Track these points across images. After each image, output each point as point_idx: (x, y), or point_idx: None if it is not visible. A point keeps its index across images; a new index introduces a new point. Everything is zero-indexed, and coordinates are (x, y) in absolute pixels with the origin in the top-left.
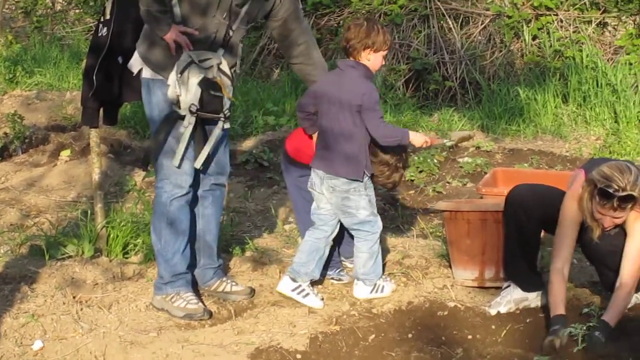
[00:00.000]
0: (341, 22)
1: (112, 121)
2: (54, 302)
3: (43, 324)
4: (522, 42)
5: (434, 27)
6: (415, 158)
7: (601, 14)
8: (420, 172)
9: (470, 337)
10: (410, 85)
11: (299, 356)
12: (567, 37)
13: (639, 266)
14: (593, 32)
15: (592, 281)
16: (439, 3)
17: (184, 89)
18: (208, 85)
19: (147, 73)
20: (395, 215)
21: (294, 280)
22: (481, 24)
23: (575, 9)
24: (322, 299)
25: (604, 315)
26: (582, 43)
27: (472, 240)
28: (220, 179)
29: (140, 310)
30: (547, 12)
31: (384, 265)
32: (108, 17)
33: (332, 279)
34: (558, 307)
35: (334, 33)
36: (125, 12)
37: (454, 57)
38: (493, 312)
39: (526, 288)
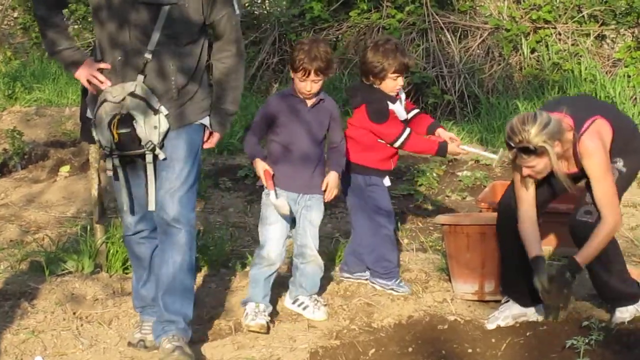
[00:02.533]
0: (339, 36)
1: None
2: (54, 318)
3: (43, 340)
4: (520, 55)
5: (432, 40)
6: (414, 172)
7: (599, 26)
8: (420, 185)
9: (470, 350)
10: (409, 99)
11: None
12: (565, 50)
13: (609, 200)
14: (591, 45)
15: (592, 294)
16: (437, 17)
17: (99, 132)
18: (118, 123)
19: (89, 114)
20: (395, 228)
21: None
22: (479, 38)
23: (574, 22)
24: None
25: (577, 255)
26: (581, 56)
27: (472, 254)
28: (166, 218)
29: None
30: (546, 25)
31: None
32: None
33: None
34: (533, 249)
35: (333, 47)
36: None
37: (452, 70)
38: (490, 326)
39: (524, 303)
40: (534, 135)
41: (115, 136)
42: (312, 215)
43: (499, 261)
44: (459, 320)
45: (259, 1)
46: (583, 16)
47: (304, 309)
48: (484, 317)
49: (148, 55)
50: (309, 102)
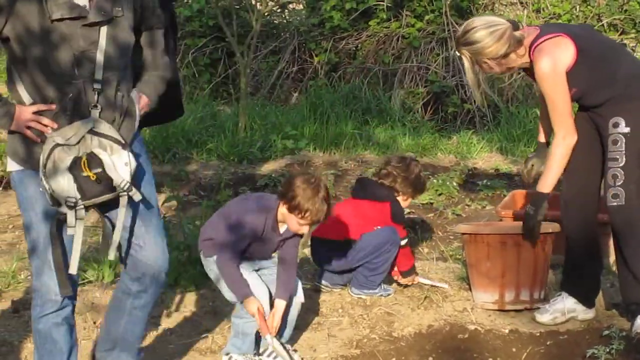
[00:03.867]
0: (359, 45)
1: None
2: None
3: None
4: None
5: (452, 49)
6: (435, 181)
7: (619, 35)
8: (440, 195)
9: (490, 359)
10: (429, 108)
11: None
12: None
13: (556, 116)
14: None
15: (613, 303)
16: (457, 26)
17: (54, 182)
18: (88, 164)
19: (12, 165)
20: (415, 238)
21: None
22: None
23: None
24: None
25: (537, 186)
26: None
27: (492, 263)
28: (135, 278)
29: (161, 335)
30: None
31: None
32: None
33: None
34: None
35: (352, 57)
36: None
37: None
38: (540, 318)
39: (581, 300)
40: (458, 44)
41: (92, 176)
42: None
43: (521, 269)
44: (479, 329)
45: (278, 10)
46: (603, 25)
47: (276, 357)
48: (505, 326)
49: (98, 86)
50: (285, 235)
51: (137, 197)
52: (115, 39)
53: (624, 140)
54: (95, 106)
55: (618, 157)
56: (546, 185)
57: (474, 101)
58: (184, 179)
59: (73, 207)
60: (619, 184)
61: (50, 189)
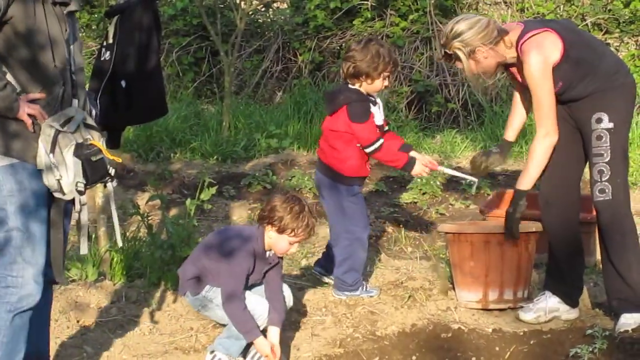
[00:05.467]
0: (343, 44)
1: (115, 145)
2: (58, 327)
3: None
4: None
5: (436, 49)
6: (418, 180)
7: (603, 35)
8: (424, 194)
9: (474, 359)
10: (413, 107)
11: None
12: None
13: (540, 112)
14: None
15: (596, 302)
16: (441, 25)
17: (63, 169)
18: (85, 152)
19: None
20: (399, 237)
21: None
22: None
23: None
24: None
25: (516, 183)
26: None
27: (476, 262)
28: (47, 272)
29: (145, 333)
30: None
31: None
32: (111, 41)
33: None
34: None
35: (336, 56)
36: (128, 36)
37: (456, 79)
38: (524, 316)
39: (565, 300)
40: (449, 40)
41: (110, 156)
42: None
43: (504, 268)
44: (462, 328)
45: (262, 9)
46: (587, 24)
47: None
48: (488, 325)
49: (74, 76)
50: (272, 260)
51: (115, 183)
52: (74, 27)
53: (609, 136)
54: (75, 96)
55: (603, 152)
56: (524, 182)
57: (458, 100)
58: (168, 178)
59: (83, 191)
60: (605, 179)
61: (61, 176)
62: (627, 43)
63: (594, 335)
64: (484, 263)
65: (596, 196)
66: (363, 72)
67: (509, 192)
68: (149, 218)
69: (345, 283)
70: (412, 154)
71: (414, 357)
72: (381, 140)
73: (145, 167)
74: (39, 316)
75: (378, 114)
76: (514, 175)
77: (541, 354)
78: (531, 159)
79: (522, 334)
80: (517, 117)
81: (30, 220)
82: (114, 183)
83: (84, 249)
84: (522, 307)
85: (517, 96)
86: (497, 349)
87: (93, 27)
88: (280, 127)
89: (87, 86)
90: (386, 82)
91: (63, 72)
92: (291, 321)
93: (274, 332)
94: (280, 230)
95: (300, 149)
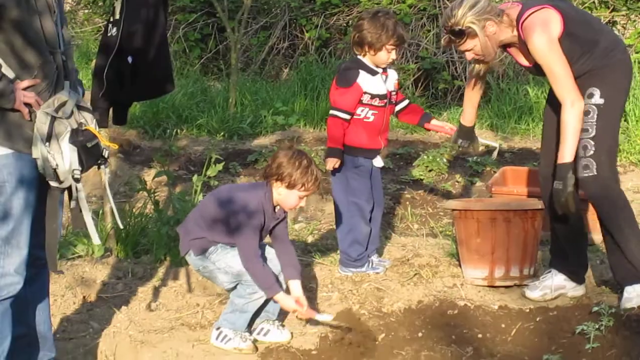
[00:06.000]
0: (350, 21)
1: (121, 121)
2: (65, 302)
3: (53, 324)
4: None
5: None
6: (425, 157)
7: (610, 12)
8: (430, 171)
9: (480, 335)
10: (420, 85)
11: (309, 355)
12: None
13: (560, 84)
14: None
15: (602, 279)
16: (447, 2)
17: (59, 157)
18: (80, 139)
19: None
20: (405, 214)
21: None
22: None
23: (584, 8)
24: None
25: (558, 159)
26: None
27: (482, 239)
28: (42, 254)
29: (151, 309)
30: None
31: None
32: (117, 17)
33: (375, 268)
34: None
35: (343, 32)
36: (134, 12)
37: (462, 56)
38: (530, 294)
39: (575, 279)
40: (460, 16)
41: (105, 142)
42: (270, 250)
43: (511, 245)
44: (469, 305)
45: None
46: (594, 2)
47: (266, 334)
48: (494, 302)
49: (64, 57)
50: (280, 215)
51: (107, 169)
52: (61, 7)
53: (596, 112)
54: (66, 77)
55: (589, 127)
56: (566, 155)
57: (465, 78)
58: (174, 155)
59: (79, 179)
60: (589, 154)
61: (55, 163)
62: (635, 21)
63: (600, 312)
64: (490, 240)
65: (580, 172)
66: (366, 42)
67: (515, 169)
68: (156, 194)
69: (350, 257)
70: (434, 122)
71: (420, 334)
72: (343, 115)
73: (151, 143)
74: (38, 298)
75: (379, 84)
76: (521, 153)
77: (547, 330)
78: (566, 130)
79: (528, 310)
80: (470, 99)
81: (20, 211)
82: (107, 168)
83: (95, 239)
84: (528, 285)
85: (471, 82)
86: (503, 325)
87: (100, 4)
88: (287, 104)
89: (93, 63)
90: (392, 56)
91: (55, 55)
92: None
93: (296, 285)
94: (291, 186)
95: (307, 126)
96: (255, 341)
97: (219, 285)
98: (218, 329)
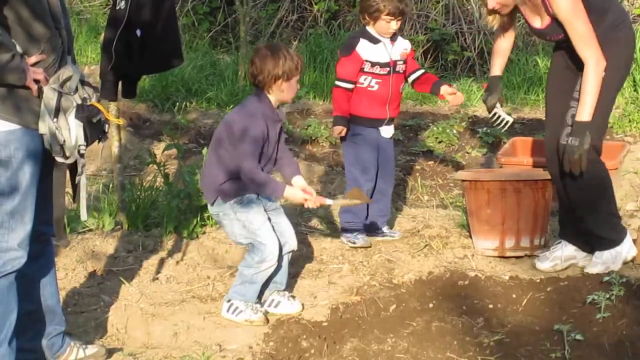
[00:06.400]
0: None
1: (131, 94)
2: (75, 276)
3: (64, 297)
4: None
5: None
6: (434, 128)
7: None
8: (440, 142)
9: (491, 306)
10: (429, 56)
11: (320, 327)
12: None
13: (584, 41)
14: None
15: None
16: None
17: (66, 133)
18: (86, 114)
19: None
20: (415, 185)
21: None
22: None
23: None
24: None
25: (577, 116)
26: None
27: (492, 210)
28: (47, 230)
29: (162, 282)
30: None
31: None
32: None
33: (384, 235)
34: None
35: (352, 4)
36: None
37: (472, 27)
38: (540, 265)
39: (578, 245)
40: None
41: (111, 118)
42: (281, 218)
43: (521, 215)
44: (479, 276)
45: None
46: None
47: (277, 306)
48: (505, 272)
49: (64, 32)
50: (280, 117)
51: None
52: None
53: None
54: (69, 52)
55: None
56: (584, 114)
57: (474, 49)
58: (184, 128)
59: (84, 154)
60: None
61: (62, 138)
62: None
63: (610, 282)
64: (501, 211)
65: (563, 138)
66: (364, 11)
67: (525, 140)
68: (166, 167)
69: (342, 224)
70: (444, 88)
71: (430, 305)
72: (344, 84)
73: (161, 117)
74: (44, 274)
75: (380, 52)
76: (531, 124)
77: (558, 300)
78: (588, 89)
79: (538, 281)
80: (501, 55)
81: (26, 186)
82: (105, 142)
83: (83, 215)
84: (538, 256)
85: (500, 37)
86: (513, 296)
87: None
88: None
89: (102, 36)
90: (392, 26)
91: (60, 29)
92: (308, 269)
93: (299, 179)
94: (289, 77)
95: (316, 98)
96: (266, 313)
97: (231, 237)
98: (229, 301)
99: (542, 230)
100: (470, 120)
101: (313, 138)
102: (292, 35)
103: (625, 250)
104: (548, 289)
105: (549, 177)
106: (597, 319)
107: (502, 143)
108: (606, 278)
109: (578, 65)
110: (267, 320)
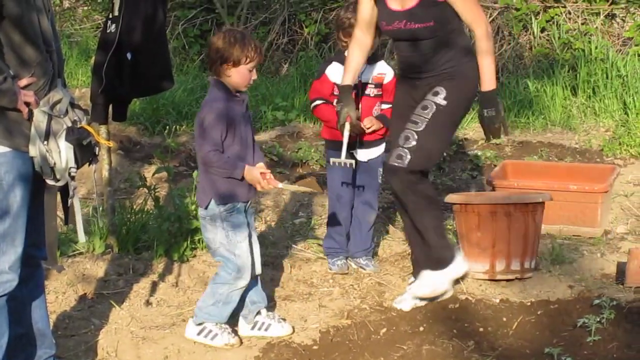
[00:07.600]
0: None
1: (121, 117)
2: (66, 299)
3: (54, 321)
4: (530, 34)
5: None
6: None
7: (609, 5)
8: None
9: (481, 329)
10: None
11: (311, 350)
12: (575, 29)
13: (472, 14)
14: (601, 24)
15: (603, 273)
16: None
17: (57, 156)
18: (76, 137)
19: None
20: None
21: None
22: (489, 17)
23: (584, 1)
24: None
25: (481, 87)
26: (591, 35)
27: (483, 233)
28: (37, 253)
29: (152, 306)
30: (555, 4)
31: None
32: (116, 13)
33: (360, 265)
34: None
35: None
36: (133, 8)
37: None
38: (400, 306)
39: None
40: None
41: (102, 141)
42: (252, 222)
43: (512, 238)
44: (470, 299)
45: None
46: None
47: (267, 329)
48: (495, 296)
49: (54, 55)
50: (242, 97)
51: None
52: (49, 2)
53: (434, 110)
54: (59, 75)
55: (419, 121)
56: (491, 81)
57: None
58: (174, 151)
59: (74, 176)
60: (408, 146)
61: (53, 161)
62: (634, 14)
63: (601, 305)
64: (491, 234)
65: (392, 159)
66: (339, 29)
67: (516, 163)
68: (156, 190)
69: (324, 247)
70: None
71: (421, 328)
72: (322, 101)
73: (151, 139)
74: (34, 297)
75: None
76: (521, 147)
77: (548, 324)
78: (488, 57)
79: (529, 304)
80: (359, 58)
81: (16, 208)
82: (96, 165)
83: (81, 237)
84: (529, 277)
85: (359, 36)
86: (504, 319)
87: (99, 0)
88: (287, 100)
89: (92, 59)
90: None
91: (51, 53)
92: (298, 292)
93: (263, 166)
94: (235, 63)
95: (307, 121)
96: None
97: (211, 245)
98: (201, 324)
99: (532, 253)
100: (460, 143)
101: (304, 161)
102: (282, 58)
103: (455, 270)
104: (538, 312)
105: (540, 200)
106: (588, 342)
107: (492, 166)
108: (596, 301)
109: (422, 90)
110: (241, 341)
